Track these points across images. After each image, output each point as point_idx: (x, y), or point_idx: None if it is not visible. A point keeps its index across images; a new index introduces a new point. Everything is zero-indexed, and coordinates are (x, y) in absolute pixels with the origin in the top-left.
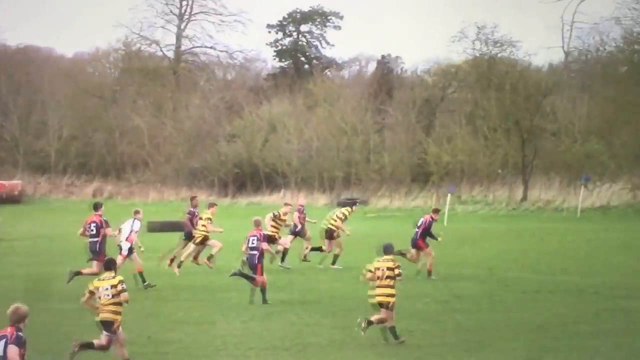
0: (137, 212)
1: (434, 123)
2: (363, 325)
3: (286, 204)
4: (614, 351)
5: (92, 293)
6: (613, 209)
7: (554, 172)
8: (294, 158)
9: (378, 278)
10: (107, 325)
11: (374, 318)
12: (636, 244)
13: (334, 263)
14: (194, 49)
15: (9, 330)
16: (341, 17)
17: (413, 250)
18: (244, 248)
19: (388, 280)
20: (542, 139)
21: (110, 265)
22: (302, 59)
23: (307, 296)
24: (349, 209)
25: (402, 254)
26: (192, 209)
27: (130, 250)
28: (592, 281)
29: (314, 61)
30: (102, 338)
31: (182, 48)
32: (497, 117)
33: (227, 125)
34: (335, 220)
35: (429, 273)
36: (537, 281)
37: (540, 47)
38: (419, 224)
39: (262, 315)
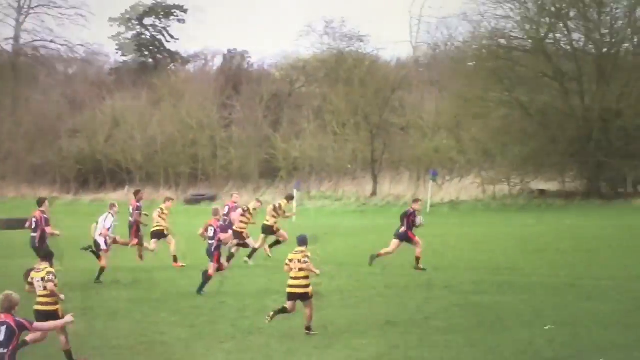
0: (112, 206)
1: (281, 118)
2: (270, 316)
3: (257, 200)
4: (465, 346)
5: (31, 284)
6: (462, 204)
7: (404, 167)
8: (138, 154)
9: (291, 270)
10: (45, 316)
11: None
12: (485, 239)
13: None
14: (33, 43)
15: (2, 317)
16: (185, 11)
17: (396, 241)
18: (200, 232)
19: (301, 272)
20: (391, 133)
21: (46, 256)
22: (146, 53)
23: (153, 294)
24: (285, 201)
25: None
26: (138, 204)
27: (105, 244)
28: (443, 276)
29: (158, 55)
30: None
31: (22, 42)
32: (345, 112)
33: (69, 120)
34: (272, 216)
35: (417, 260)
36: (388, 277)
37: (388, 41)
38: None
39: (107, 314)
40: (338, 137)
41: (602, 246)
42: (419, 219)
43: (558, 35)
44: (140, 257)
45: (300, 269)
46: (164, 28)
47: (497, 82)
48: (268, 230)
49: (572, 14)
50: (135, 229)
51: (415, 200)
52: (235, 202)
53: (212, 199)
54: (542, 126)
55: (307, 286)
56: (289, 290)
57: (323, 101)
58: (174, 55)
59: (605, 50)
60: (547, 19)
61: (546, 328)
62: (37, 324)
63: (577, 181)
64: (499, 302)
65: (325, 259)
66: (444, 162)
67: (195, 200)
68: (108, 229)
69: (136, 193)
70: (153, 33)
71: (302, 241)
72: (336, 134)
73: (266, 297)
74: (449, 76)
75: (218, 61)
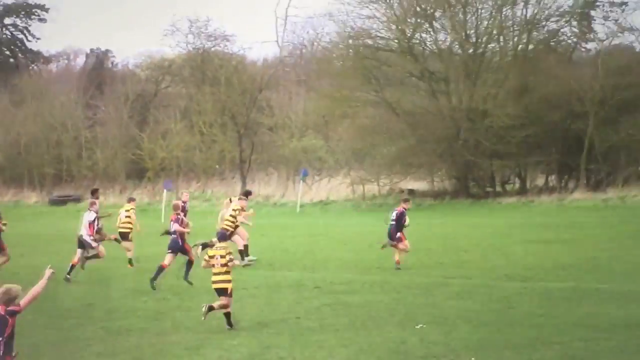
0: (92, 204)
1: (147, 118)
2: (204, 309)
3: (240, 198)
4: (338, 346)
5: None
6: (332, 204)
7: (272, 167)
8: (0, 155)
9: (213, 265)
10: None
11: (216, 304)
12: (355, 238)
13: (247, 255)
14: None
15: None
16: (47, 10)
17: (389, 241)
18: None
19: (223, 267)
20: (259, 134)
21: None
22: (7, 52)
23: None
24: (244, 198)
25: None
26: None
27: (94, 241)
28: (313, 276)
29: (20, 55)
30: None
31: None
32: (212, 112)
33: None
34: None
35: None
36: (258, 277)
37: (254, 41)
38: (393, 217)
39: None
40: (205, 137)
41: (472, 245)
42: (406, 219)
43: (424, 35)
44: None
45: (223, 265)
46: (25, 27)
47: (364, 82)
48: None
49: (437, 14)
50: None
51: (406, 200)
52: (185, 201)
53: (78, 199)
54: (410, 126)
55: (228, 281)
56: (214, 286)
57: (189, 101)
58: (35, 55)
59: (471, 50)
60: (413, 19)
61: (418, 327)
62: (23, 301)
63: (446, 181)
64: (370, 301)
65: (194, 259)
66: (313, 162)
67: (60, 202)
68: (91, 222)
69: (93, 192)
70: (14, 32)
71: (223, 237)
72: (203, 134)
73: (135, 299)
74: (316, 76)
75: (81, 61)
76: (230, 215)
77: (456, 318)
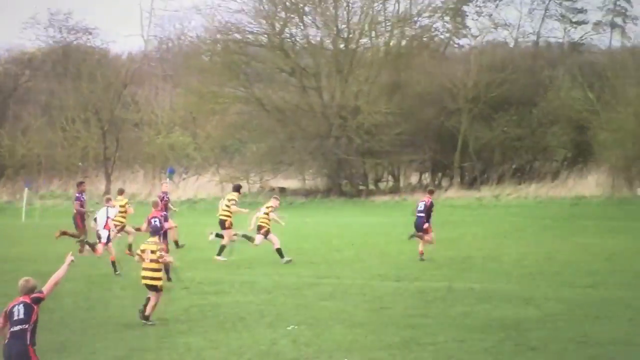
0: (108, 200)
1: (6, 114)
2: (140, 316)
3: (275, 198)
4: (207, 348)
5: None
6: (200, 202)
7: (138, 165)
8: None
9: (144, 260)
10: None
11: (147, 309)
12: None
13: (219, 254)
14: None
15: (21, 298)
16: None
17: (415, 232)
18: (144, 228)
19: (152, 263)
20: (124, 130)
21: None
22: None
23: None
24: (237, 193)
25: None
26: (78, 194)
27: (108, 238)
28: (183, 277)
29: None
30: None
31: None
32: (75, 108)
33: None
34: (228, 210)
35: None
36: (124, 278)
37: (118, 35)
38: (420, 209)
39: None
40: (67, 134)
41: (345, 244)
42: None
43: (295, 30)
44: (80, 251)
45: (152, 260)
46: None
47: (233, 78)
48: (222, 224)
49: (307, 8)
50: (79, 219)
51: (431, 192)
52: (165, 192)
53: None
54: (280, 123)
55: (157, 278)
56: (143, 281)
57: (51, 96)
58: None
59: (343, 46)
60: (283, 14)
61: (289, 328)
62: (45, 287)
63: (317, 179)
64: (240, 302)
65: (53, 259)
66: (180, 159)
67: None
68: (112, 219)
69: (79, 184)
70: None
71: (155, 231)
72: (65, 130)
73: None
74: (183, 71)
75: None
76: (265, 214)
77: (328, 319)
